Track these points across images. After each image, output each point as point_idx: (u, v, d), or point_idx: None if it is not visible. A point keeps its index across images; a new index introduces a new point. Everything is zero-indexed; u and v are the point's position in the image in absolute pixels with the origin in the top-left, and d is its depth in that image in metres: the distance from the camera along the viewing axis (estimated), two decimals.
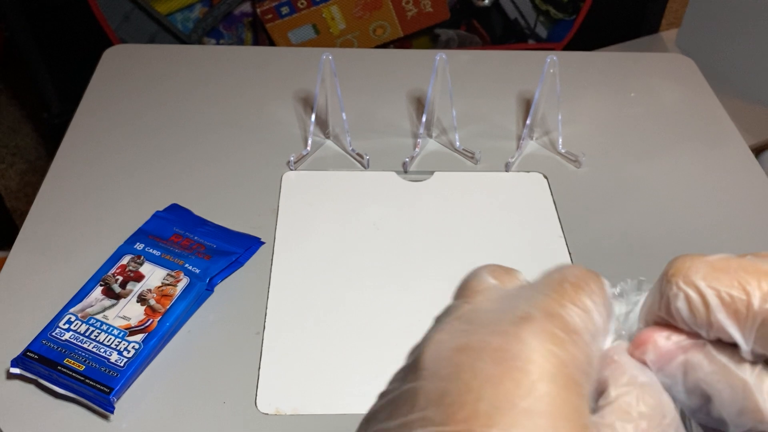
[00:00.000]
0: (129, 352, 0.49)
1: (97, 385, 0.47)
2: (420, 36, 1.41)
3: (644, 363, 0.21)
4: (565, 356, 0.19)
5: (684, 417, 0.21)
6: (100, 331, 0.51)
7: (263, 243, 0.61)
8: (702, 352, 0.20)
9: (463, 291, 0.23)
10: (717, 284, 0.20)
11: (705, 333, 0.20)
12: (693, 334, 0.21)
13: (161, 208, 0.63)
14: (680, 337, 0.21)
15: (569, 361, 0.19)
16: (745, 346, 0.20)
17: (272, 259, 0.60)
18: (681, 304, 0.21)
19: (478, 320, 0.20)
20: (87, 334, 0.50)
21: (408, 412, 0.19)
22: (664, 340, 0.21)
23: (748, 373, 0.19)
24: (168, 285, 0.54)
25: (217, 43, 1.36)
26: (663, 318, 0.22)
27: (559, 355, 0.19)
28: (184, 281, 0.54)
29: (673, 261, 0.22)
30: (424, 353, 0.20)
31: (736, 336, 0.20)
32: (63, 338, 0.50)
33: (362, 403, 0.50)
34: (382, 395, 0.21)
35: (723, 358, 0.20)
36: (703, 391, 0.20)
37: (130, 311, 0.52)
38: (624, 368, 0.21)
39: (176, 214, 0.62)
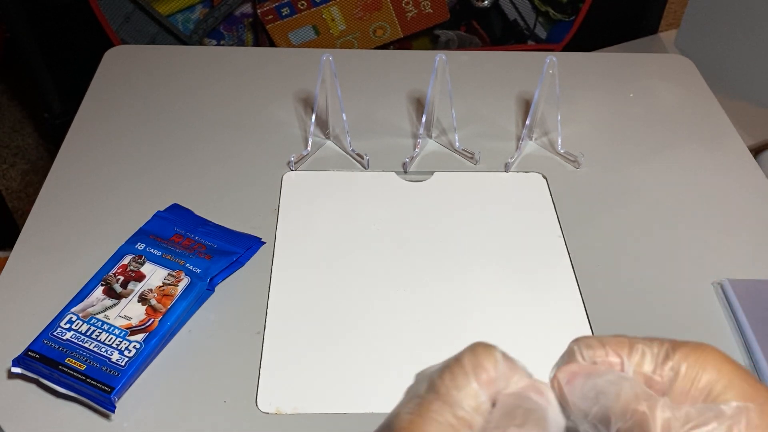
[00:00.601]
0: (130, 351, 0.50)
1: (99, 385, 0.48)
2: (420, 37, 1.41)
3: (558, 386, 0.27)
4: (421, 422, 0.25)
5: None
6: (101, 331, 0.51)
7: (264, 243, 0.61)
8: (604, 371, 0.26)
9: None
10: (608, 337, 0.28)
11: (599, 363, 0.27)
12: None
13: (162, 208, 0.63)
14: (587, 365, 0.27)
15: (425, 417, 0.25)
16: (628, 365, 0.27)
17: (273, 259, 0.60)
18: (583, 347, 0.27)
19: (394, 409, 0.27)
20: (88, 334, 0.51)
21: None
22: (575, 366, 0.27)
23: (632, 379, 0.26)
24: (169, 285, 0.54)
25: (218, 44, 1.36)
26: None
27: (416, 421, 0.25)
28: (185, 281, 0.55)
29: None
30: None
31: (624, 357, 0.27)
32: (64, 338, 0.50)
33: (362, 402, 0.51)
34: None
35: (621, 373, 0.26)
36: (596, 393, 0.25)
37: (131, 311, 0.52)
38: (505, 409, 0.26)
39: (177, 214, 0.62)
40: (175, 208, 0.63)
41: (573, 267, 0.61)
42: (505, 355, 0.27)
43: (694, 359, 0.26)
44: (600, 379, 0.26)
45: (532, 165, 0.72)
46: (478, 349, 0.27)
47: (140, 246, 0.57)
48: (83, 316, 0.52)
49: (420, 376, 0.27)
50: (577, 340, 0.28)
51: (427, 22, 1.38)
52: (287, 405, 0.50)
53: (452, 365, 0.26)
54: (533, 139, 0.74)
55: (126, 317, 0.52)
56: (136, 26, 1.31)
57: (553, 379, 0.27)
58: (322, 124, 0.73)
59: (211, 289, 0.57)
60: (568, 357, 0.28)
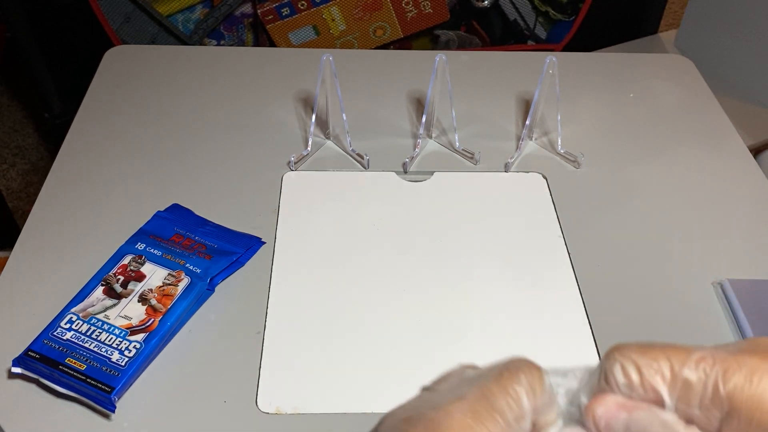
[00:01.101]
0: (130, 351, 0.50)
1: (99, 385, 0.48)
2: (420, 37, 1.41)
3: (595, 422, 0.24)
4: (480, 430, 0.23)
5: None
6: (101, 331, 0.51)
7: (264, 243, 0.61)
8: (646, 411, 0.24)
9: (436, 380, 0.27)
10: (647, 355, 0.24)
11: (637, 396, 0.24)
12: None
13: (162, 208, 0.63)
14: (625, 399, 0.24)
15: (477, 421, 0.23)
16: (669, 402, 0.23)
17: (273, 259, 0.60)
18: (617, 371, 0.24)
19: (430, 399, 0.25)
20: (88, 334, 0.51)
21: None
22: (612, 399, 0.24)
23: (682, 428, 0.23)
24: (169, 285, 0.54)
25: (218, 44, 1.36)
26: (603, 390, 0.25)
27: (474, 428, 0.23)
28: (185, 281, 0.55)
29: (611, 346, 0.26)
30: (383, 422, 0.25)
31: (664, 394, 0.23)
32: (64, 338, 0.50)
33: (362, 402, 0.51)
34: None
35: (664, 416, 0.23)
36: None
37: (131, 311, 0.52)
38: None
39: (177, 214, 0.62)
40: (175, 208, 0.63)
41: (573, 267, 0.61)
42: (551, 386, 0.25)
43: (748, 395, 0.22)
44: (641, 426, 0.23)
45: (532, 165, 0.72)
46: (534, 370, 0.25)
47: (140, 246, 0.57)
48: (83, 316, 0.52)
49: (462, 376, 0.26)
50: (610, 358, 0.25)
51: (427, 22, 1.38)
52: (287, 405, 0.50)
53: (507, 378, 0.24)
54: (533, 139, 0.74)
55: (126, 317, 0.52)
56: (136, 26, 1.31)
57: (588, 410, 0.25)
58: (322, 124, 0.73)
59: (211, 289, 0.57)
60: (600, 378, 0.25)
